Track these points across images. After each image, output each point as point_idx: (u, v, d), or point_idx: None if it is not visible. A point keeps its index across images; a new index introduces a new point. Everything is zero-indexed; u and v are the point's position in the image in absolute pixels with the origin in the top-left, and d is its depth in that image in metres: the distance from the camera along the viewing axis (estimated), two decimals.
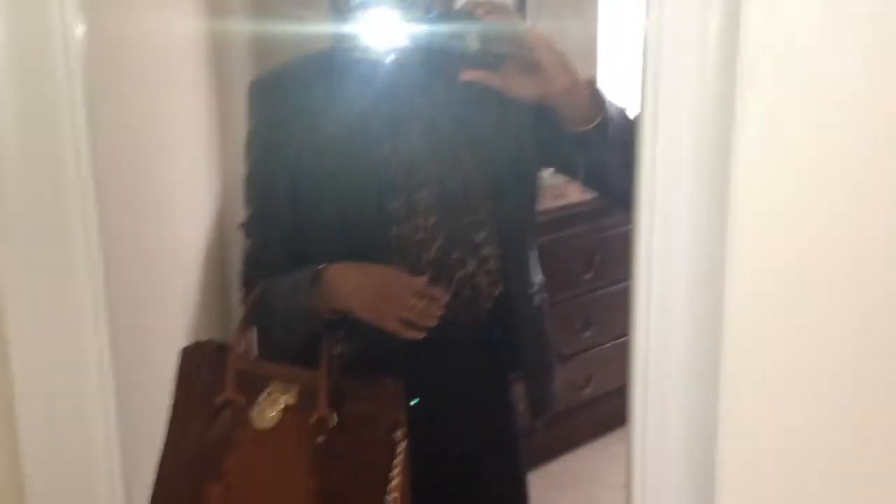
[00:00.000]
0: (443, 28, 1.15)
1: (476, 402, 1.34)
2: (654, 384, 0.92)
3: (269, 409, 1.14)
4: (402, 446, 1.13)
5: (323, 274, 1.18)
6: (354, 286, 1.18)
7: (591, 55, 2.98)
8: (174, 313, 1.93)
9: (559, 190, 2.89)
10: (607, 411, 2.82)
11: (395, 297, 1.15)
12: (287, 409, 1.14)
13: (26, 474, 1.01)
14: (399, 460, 1.13)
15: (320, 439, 1.11)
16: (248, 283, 1.27)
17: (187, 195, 2.12)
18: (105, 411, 1.01)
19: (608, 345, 2.82)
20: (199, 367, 1.19)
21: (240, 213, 2.46)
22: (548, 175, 3.02)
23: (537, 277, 1.35)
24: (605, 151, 1.14)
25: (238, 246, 2.36)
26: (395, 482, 1.12)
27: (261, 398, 1.14)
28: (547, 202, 2.83)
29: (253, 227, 1.28)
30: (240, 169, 1.33)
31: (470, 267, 1.22)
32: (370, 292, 1.17)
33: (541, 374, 1.36)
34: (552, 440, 2.73)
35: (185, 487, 1.15)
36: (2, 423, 1.02)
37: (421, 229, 1.20)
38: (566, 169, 1.31)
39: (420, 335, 1.16)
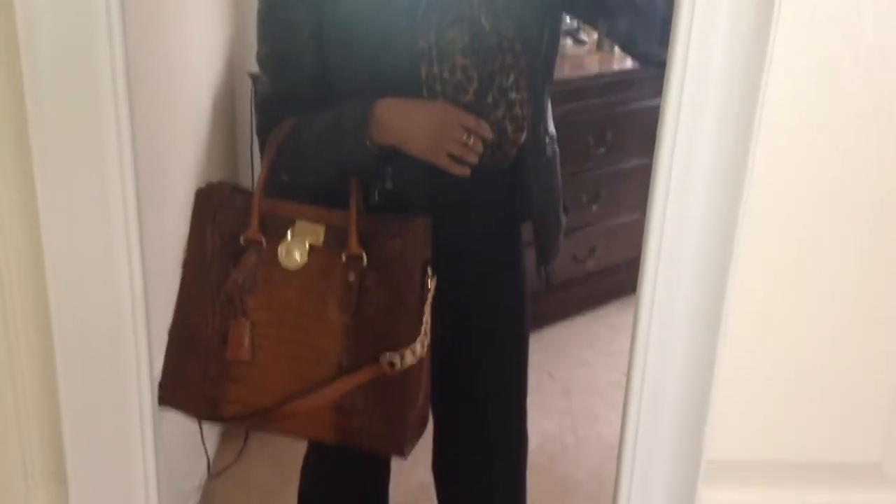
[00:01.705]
0: None
1: (491, 249, 1.36)
2: (666, 254, 0.93)
3: (297, 249, 1.15)
4: (433, 283, 1.16)
5: (374, 109, 1.16)
6: (408, 121, 1.16)
7: None
8: (184, 157, 1.93)
9: (578, 60, 2.82)
10: (606, 284, 2.87)
11: (448, 133, 1.14)
12: (314, 249, 1.15)
13: (54, 315, 1.05)
14: (430, 296, 1.16)
15: (352, 277, 1.14)
16: (268, 122, 1.24)
17: (199, 39, 2.07)
18: (129, 250, 1.04)
19: (613, 221, 2.84)
20: (216, 208, 1.19)
21: (251, 61, 2.41)
22: (569, 45, 2.94)
23: (551, 128, 1.36)
24: (629, 13, 1.13)
25: (248, 92, 2.34)
26: (426, 317, 1.15)
27: (287, 238, 1.15)
28: (565, 72, 2.77)
29: (271, 64, 1.25)
30: (252, 13, 1.29)
31: (500, 111, 1.21)
32: (424, 127, 1.16)
33: (550, 224, 1.38)
34: (550, 308, 2.79)
35: (209, 326, 1.17)
36: (27, 265, 1.06)
37: (459, 70, 1.18)
38: (589, 24, 1.32)
39: (466, 172, 1.16)
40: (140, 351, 1.10)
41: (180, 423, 1.30)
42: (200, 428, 1.90)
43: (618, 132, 2.75)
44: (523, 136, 1.26)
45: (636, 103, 2.73)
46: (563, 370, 2.61)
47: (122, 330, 1.08)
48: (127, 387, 1.11)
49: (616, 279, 2.87)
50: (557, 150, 1.38)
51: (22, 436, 1.14)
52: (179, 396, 1.19)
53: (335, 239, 1.15)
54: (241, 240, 1.16)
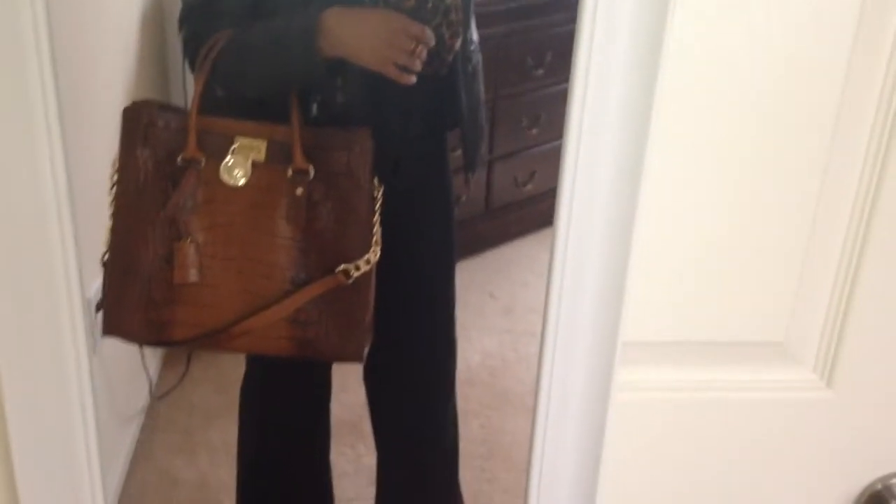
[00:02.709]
0: None
1: (424, 157, 1.39)
2: (586, 141, 0.95)
3: (239, 166, 1.13)
4: (380, 192, 1.17)
5: (321, 19, 1.14)
6: (356, 31, 1.15)
7: None
8: (112, 75, 1.87)
9: None
10: (546, 207, 2.90)
11: (396, 42, 1.13)
12: (256, 165, 1.14)
13: None
14: (378, 206, 1.17)
15: (299, 191, 1.13)
16: (194, 36, 1.21)
17: None
18: (53, 170, 0.99)
19: (554, 143, 2.85)
20: (146, 127, 1.15)
21: None
22: None
23: (475, 35, 1.36)
24: None
25: (177, 8, 2.26)
26: (376, 227, 1.17)
27: (228, 155, 1.13)
28: None
29: None
30: None
31: (438, 18, 1.22)
32: (373, 37, 1.15)
33: (477, 131, 1.40)
34: (491, 231, 2.82)
35: (150, 250, 1.15)
36: None
37: None
38: None
39: (412, 80, 1.15)
40: (70, 273, 1.07)
41: (121, 347, 1.30)
42: (142, 351, 1.89)
43: (557, 53, 2.73)
44: (458, 43, 1.27)
45: (576, 23, 2.72)
46: (504, 290, 2.66)
47: (49, 249, 1.05)
48: (59, 312, 1.09)
49: (556, 202, 2.90)
50: (480, 57, 1.39)
51: None
52: (124, 325, 1.17)
53: (278, 154, 1.14)
54: (179, 159, 1.13)
